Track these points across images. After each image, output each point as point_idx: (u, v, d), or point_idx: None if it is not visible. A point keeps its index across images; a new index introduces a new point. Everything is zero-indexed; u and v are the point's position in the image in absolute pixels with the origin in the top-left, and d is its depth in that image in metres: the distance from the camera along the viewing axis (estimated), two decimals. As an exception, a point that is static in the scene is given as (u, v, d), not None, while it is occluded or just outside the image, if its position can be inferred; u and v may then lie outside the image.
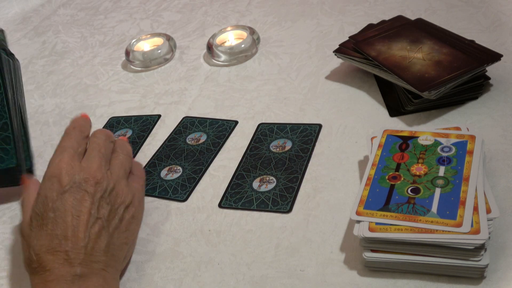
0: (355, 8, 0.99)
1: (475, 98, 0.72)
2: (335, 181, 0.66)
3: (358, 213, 0.56)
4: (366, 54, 0.77)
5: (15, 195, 0.74)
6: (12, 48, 1.12)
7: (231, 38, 0.96)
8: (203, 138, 0.78)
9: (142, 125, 0.83)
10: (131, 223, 0.61)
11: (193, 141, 0.77)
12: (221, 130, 0.78)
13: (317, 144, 0.72)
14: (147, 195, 0.70)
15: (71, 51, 1.09)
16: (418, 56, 0.74)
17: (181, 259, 0.62)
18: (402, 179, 0.58)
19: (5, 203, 0.75)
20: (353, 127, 0.73)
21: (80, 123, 0.65)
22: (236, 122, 0.80)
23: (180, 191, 0.69)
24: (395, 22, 0.84)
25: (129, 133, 0.82)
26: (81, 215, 0.57)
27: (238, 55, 0.93)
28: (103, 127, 0.84)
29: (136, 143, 0.79)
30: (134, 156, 0.77)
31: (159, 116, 0.84)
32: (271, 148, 0.73)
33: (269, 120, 0.78)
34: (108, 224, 0.58)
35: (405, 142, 0.63)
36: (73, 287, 0.53)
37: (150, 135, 0.81)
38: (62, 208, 0.57)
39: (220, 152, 0.75)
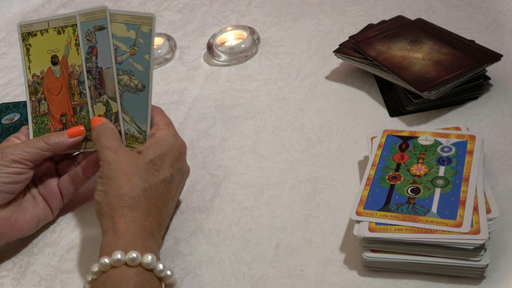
0: (355, 8, 0.99)
1: (475, 98, 0.72)
2: (335, 182, 0.66)
3: (358, 213, 0.56)
4: (366, 54, 0.77)
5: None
6: (13, 48, 1.13)
7: (231, 38, 0.96)
8: None
9: None
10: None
11: None
12: None
13: (317, 144, 0.72)
14: None
15: (71, 51, 1.09)
16: (418, 56, 0.74)
17: (181, 258, 0.62)
18: (402, 179, 0.58)
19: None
20: (353, 127, 0.73)
21: None
22: None
23: None
24: (395, 22, 0.84)
25: None
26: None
27: (238, 55, 0.93)
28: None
29: None
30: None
31: None
32: None
33: (269, 119, 0.78)
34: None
35: (405, 142, 0.63)
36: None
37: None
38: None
39: (220, 152, 0.75)
